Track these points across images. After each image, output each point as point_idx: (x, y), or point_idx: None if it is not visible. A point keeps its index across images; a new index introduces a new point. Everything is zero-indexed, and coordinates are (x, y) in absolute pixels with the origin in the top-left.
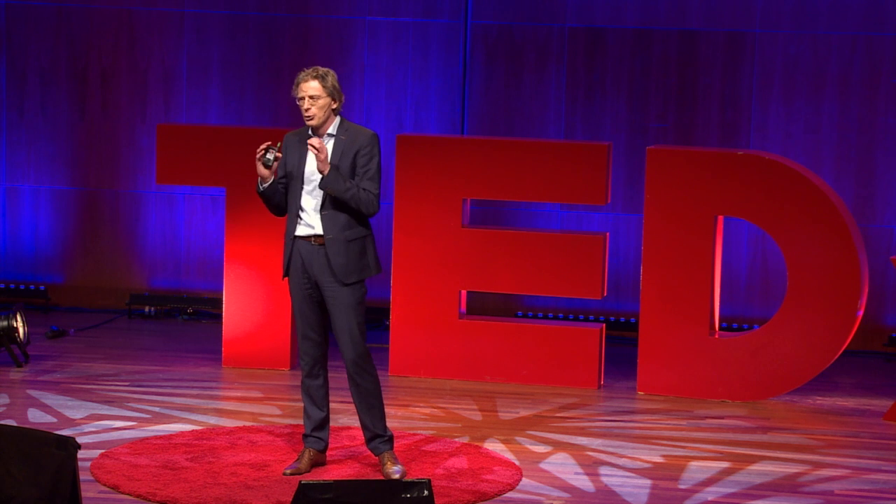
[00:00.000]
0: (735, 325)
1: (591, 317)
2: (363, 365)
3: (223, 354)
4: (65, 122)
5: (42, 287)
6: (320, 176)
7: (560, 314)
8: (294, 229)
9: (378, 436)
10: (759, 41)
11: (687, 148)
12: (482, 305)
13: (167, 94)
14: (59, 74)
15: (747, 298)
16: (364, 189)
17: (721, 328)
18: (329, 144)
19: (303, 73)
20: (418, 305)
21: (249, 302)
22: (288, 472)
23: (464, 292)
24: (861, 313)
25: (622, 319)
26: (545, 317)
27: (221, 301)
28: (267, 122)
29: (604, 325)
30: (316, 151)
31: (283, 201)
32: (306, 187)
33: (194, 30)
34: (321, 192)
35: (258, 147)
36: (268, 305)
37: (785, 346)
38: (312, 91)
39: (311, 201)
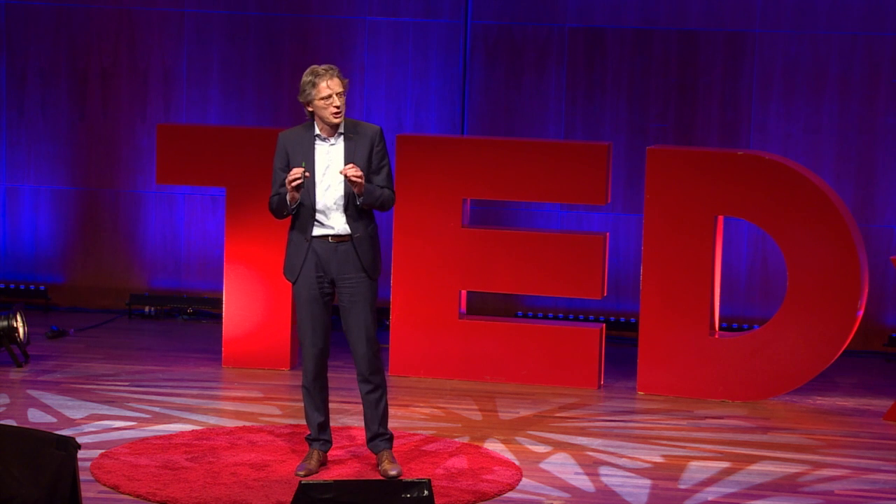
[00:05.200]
0: (735, 325)
1: (591, 317)
2: (376, 363)
3: (223, 354)
4: (65, 122)
5: (42, 287)
6: (336, 175)
7: (560, 314)
8: (310, 230)
9: (380, 434)
10: (759, 41)
11: (687, 148)
12: (482, 305)
13: (167, 94)
14: (59, 74)
15: (747, 298)
16: (385, 188)
17: (721, 328)
18: (340, 143)
19: (323, 70)
20: (418, 305)
21: (249, 302)
22: (302, 473)
23: (464, 292)
24: (861, 313)
25: (622, 319)
26: (545, 317)
27: (221, 301)
28: (267, 122)
29: (604, 325)
30: (357, 179)
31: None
32: (319, 187)
33: (194, 30)
34: (339, 191)
35: (292, 174)
36: (268, 305)
37: (785, 346)
38: (339, 88)
39: (328, 201)
